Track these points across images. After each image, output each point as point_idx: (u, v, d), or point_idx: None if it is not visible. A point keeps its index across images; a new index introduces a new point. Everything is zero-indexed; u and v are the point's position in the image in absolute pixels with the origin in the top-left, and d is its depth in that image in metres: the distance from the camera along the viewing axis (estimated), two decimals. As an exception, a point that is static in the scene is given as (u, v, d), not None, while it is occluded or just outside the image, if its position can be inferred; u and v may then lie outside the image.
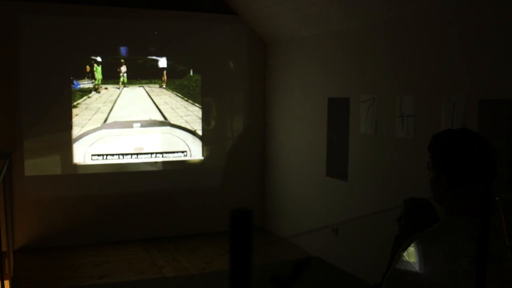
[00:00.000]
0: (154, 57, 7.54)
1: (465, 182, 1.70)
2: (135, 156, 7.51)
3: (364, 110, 5.83)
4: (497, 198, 1.37)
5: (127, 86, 7.43)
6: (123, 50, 7.36)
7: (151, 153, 7.58)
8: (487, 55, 4.30)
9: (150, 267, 6.45)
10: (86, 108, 7.24)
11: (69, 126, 7.13)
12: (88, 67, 7.18)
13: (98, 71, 7.24)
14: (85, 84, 7.19)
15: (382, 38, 5.57)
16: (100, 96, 7.30)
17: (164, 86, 7.64)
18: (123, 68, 7.35)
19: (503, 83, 4.19)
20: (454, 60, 4.64)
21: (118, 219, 7.43)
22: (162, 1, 7.51)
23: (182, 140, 7.79)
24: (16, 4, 6.76)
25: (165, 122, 7.69)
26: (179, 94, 7.73)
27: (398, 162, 5.33)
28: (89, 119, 7.27)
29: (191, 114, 7.81)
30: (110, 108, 7.37)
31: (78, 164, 7.24)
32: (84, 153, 7.26)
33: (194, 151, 7.86)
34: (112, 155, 7.38)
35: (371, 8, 5.49)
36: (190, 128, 7.81)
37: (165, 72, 7.62)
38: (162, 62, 7.57)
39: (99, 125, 7.33)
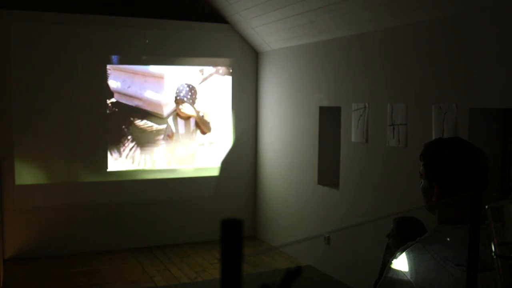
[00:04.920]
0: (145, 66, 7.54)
1: (456, 190, 1.70)
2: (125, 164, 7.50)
3: (355, 119, 5.85)
4: (486, 207, 1.38)
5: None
6: (114, 58, 7.35)
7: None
8: (478, 64, 4.33)
9: (141, 276, 6.41)
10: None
11: (60, 135, 7.10)
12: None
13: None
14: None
15: (373, 47, 5.60)
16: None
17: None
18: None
19: (494, 92, 4.22)
20: (445, 69, 4.67)
21: (109, 228, 7.40)
22: (154, 10, 7.53)
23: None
24: (7, 13, 6.75)
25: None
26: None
27: (390, 170, 5.34)
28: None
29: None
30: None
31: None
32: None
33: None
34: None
35: (362, 18, 5.52)
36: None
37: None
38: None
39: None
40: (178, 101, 7.73)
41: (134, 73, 7.49)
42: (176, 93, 7.71)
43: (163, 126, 7.66)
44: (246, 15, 7.13)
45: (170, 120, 7.69)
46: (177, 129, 7.74)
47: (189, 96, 7.77)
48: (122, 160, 7.46)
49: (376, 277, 3.56)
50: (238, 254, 0.73)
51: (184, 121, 7.78)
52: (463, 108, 4.46)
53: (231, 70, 7.98)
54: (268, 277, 6.17)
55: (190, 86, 7.76)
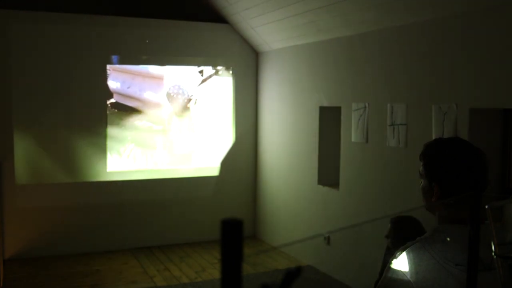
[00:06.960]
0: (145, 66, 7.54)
1: (456, 190, 1.70)
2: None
3: (355, 119, 5.85)
4: (486, 207, 1.38)
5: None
6: (114, 58, 7.35)
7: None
8: (478, 64, 4.33)
9: (141, 276, 6.41)
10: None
11: (60, 135, 7.10)
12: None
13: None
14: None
15: (373, 47, 5.60)
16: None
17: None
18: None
19: (494, 92, 4.22)
20: (445, 69, 4.67)
21: (109, 228, 7.40)
22: (154, 10, 7.52)
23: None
24: (7, 12, 6.75)
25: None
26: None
27: (390, 170, 5.34)
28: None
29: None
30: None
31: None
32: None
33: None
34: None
35: (362, 18, 5.52)
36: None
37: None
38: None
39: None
40: (178, 99, 7.72)
41: (134, 74, 7.49)
42: (174, 92, 7.68)
43: (162, 127, 7.66)
44: (246, 15, 7.13)
45: (167, 119, 7.68)
46: (173, 127, 7.74)
47: (185, 94, 7.77)
48: (122, 161, 7.46)
49: (376, 277, 3.56)
50: (238, 254, 0.73)
51: (180, 120, 7.77)
52: (463, 108, 4.46)
53: (231, 71, 7.98)
54: (268, 277, 6.17)
55: (182, 87, 7.75)
